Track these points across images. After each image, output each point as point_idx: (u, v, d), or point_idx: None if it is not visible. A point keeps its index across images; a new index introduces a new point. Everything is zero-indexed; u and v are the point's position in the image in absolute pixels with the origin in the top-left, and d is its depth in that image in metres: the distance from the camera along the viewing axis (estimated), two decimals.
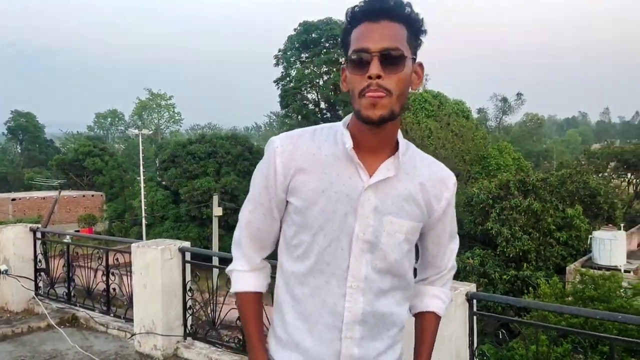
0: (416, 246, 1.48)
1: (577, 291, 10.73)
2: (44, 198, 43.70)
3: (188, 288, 4.58)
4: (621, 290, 10.29)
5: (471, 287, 3.14)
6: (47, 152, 66.07)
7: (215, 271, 4.99)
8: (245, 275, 1.48)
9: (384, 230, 1.36)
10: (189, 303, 4.60)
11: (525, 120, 69.17)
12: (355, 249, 1.35)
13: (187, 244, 4.69)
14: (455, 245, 1.56)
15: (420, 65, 1.37)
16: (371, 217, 1.35)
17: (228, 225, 32.83)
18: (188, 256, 4.63)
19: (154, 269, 4.47)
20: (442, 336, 3.02)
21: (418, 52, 1.36)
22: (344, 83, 1.37)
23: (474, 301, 3.11)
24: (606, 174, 28.24)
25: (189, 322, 4.60)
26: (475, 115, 48.83)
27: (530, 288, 14.64)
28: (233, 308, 4.34)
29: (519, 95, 66.47)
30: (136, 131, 34.14)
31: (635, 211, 27.31)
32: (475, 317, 3.13)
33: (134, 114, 76.94)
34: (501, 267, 17.75)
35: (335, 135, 1.39)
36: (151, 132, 55.33)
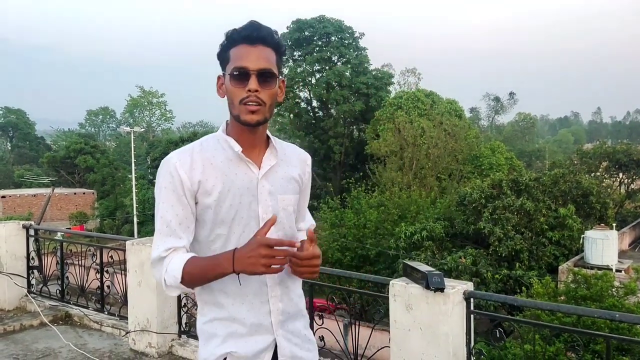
0: None
1: (570, 290, 10.78)
2: (34, 195, 43.41)
3: None
4: (613, 290, 10.34)
5: (468, 285, 3.14)
6: (38, 150, 65.66)
7: None
8: (174, 255, 1.65)
9: (279, 207, 1.73)
10: (184, 301, 4.57)
11: (518, 120, 69.54)
12: None
13: None
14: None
15: (283, 81, 1.74)
16: (268, 200, 1.71)
17: None
18: None
19: (149, 266, 4.44)
20: (439, 334, 3.03)
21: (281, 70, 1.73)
22: (219, 90, 1.70)
23: (472, 300, 3.11)
24: (598, 173, 28.41)
25: (184, 320, 4.58)
26: (468, 114, 49.04)
27: (522, 287, 14.69)
28: None
29: (511, 94, 66.86)
30: (127, 129, 33.96)
31: (627, 211, 27.52)
32: (472, 316, 3.13)
33: (125, 111, 76.53)
34: (493, 267, 17.78)
35: (220, 143, 1.71)
36: (143, 129, 55.02)
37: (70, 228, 33.42)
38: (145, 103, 74.80)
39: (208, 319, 1.72)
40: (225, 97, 1.68)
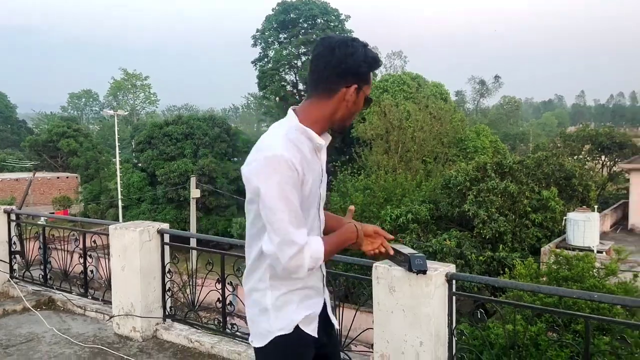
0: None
1: (552, 272, 10.92)
2: (17, 180, 42.79)
3: (167, 270, 4.54)
4: (594, 271, 10.50)
5: (450, 267, 3.17)
6: (20, 133, 64.66)
7: (195, 253, 4.95)
8: (312, 244, 1.94)
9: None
10: (168, 285, 4.57)
11: (503, 103, 69.83)
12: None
13: (165, 225, 4.65)
14: None
15: None
16: (324, 184, 2.11)
17: (206, 207, 32.67)
18: (167, 238, 4.58)
19: (132, 251, 4.42)
20: (421, 316, 3.06)
21: None
22: (354, 102, 1.99)
23: (454, 282, 3.14)
24: (581, 156, 28.70)
25: (168, 304, 4.58)
26: (453, 97, 49.12)
27: (506, 269, 14.88)
28: (212, 290, 4.32)
29: (496, 78, 67.07)
30: (111, 112, 33.55)
31: (609, 193, 27.87)
32: (454, 298, 3.16)
33: (108, 94, 75.54)
34: (477, 249, 17.97)
35: (302, 135, 1.96)
36: (126, 113, 54.34)
37: (54, 213, 33.09)
38: (129, 86, 73.86)
39: (282, 292, 2.01)
40: (339, 103, 1.97)
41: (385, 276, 3.17)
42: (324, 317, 2.14)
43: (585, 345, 2.86)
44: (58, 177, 45.49)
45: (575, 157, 27.32)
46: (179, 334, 4.39)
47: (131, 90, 74.81)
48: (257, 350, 2.07)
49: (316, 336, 2.07)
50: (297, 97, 42.01)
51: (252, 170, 1.90)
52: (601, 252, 15.85)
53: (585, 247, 15.30)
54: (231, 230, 30.23)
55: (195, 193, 22.11)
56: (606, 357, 6.74)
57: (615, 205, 23.41)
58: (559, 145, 30.01)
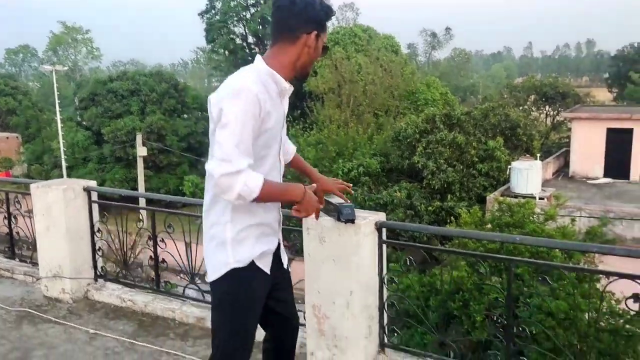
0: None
1: (495, 219, 11.25)
2: None
3: (96, 229, 4.35)
4: (534, 216, 10.87)
5: (380, 216, 3.13)
6: None
7: (126, 211, 4.75)
8: (250, 173, 2.00)
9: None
10: (98, 244, 4.39)
11: (454, 56, 70.24)
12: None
13: (92, 182, 4.43)
14: None
15: None
16: (284, 129, 2.30)
17: (156, 165, 31.92)
18: (94, 196, 4.38)
19: (57, 210, 4.20)
20: (351, 265, 3.02)
21: None
22: (315, 48, 2.16)
23: (384, 230, 3.10)
24: (526, 107, 29.37)
25: (99, 264, 4.41)
26: (405, 50, 48.98)
27: (452, 218, 15.26)
28: (145, 247, 4.17)
29: (447, 30, 67.12)
30: (49, 67, 31.80)
31: (552, 142, 28.76)
32: (384, 246, 3.13)
33: (48, 49, 71.57)
34: (427, 199, 18.35)
35: (270, 78, 2.10)
36: (66, 68, 51.75)
37: None
38: (70, 40, 70.14)
39: (242, 227, 2.12)
40: (302, 49, 2.12)
41: (315, 227, 3.11)
42: (277, 257, 2.31)
43: (507, 286, 2.90)
44: None
45: (520, 108, 27.94)
46: (111, 293, 4.25)
47: (72, 45, 71.09)
48: (212, 284, 2.17)
49: (268, 272, 2.21)
50: (247, 50, 40.90)
51: (218, 96, 2.02)
52: (542, 199, 16.46)
53: (527, 194, 15.81)
54: (183, 189, 29.75)
55: (141, 151, 21.48)
56: (537, 298, 7.02)
57: (557, 154, 24.23)
58: (505, 96, 30.58)
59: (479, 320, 7.75)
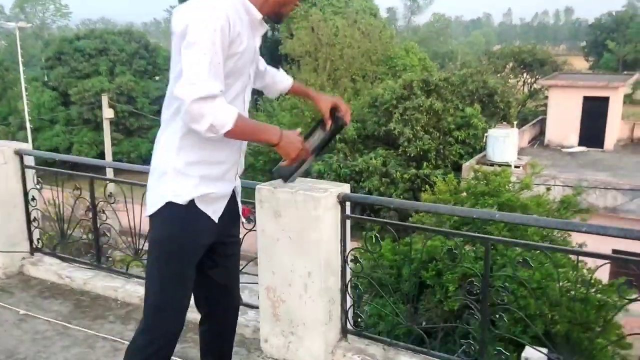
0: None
1: (470, 187, 11.02)
2: None
3: (31, 197, 3.89)
4: (510, 185, 10.67)
5: (343, 187, 2.75)
6: None
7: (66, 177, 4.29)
8: (224, 101, 1.82)
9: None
10: (34, 214, 3.94)
11: (433, 21, 69.37)
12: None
13: (26, 145, 3.95)
14: None
15: None
16: (254, 64, 2.08)
17: (126, 129, 31.00)
18: (30, 160, 3.90)
19: None
20: (309, 241, 2.65)
21: None
22: None
23: (347, 203, 2.73)
24: (504, 74, 29.11)
25: (35, 236, 3.97)
26: (384, 14, 48.12)
27: (427, 186, 15.04)
28: (83, 219, 3.74)
29: None
30: (13, 24, 30.29)
31: (529, 110, 28.66)
32: (348, 221, 2.77)
33: (14, 6, 68.54)
34: (403, 167, 18.10)
35: (243, 7, 1.91)
36: (30, 25, 49.56)
37: None
38: None
39: (188, 161, 1.89)
40: None
41: (270, 199, 2.72)
42: (231, 210, 2.08)
43: (484, 266, 2.58)
44: None
45: (498, 75, 27.67)
46: (48, 269, 3.83)
47: (40, 2, 68.21)
48: (150, 218, 1.96)
49: (216, 221, 1.99)
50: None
51: (184, 10, 1.83)
52: (518, 167, 16.32)
53: (503, 162, 15.64)
54: None
55: (108, 113, 20.62)
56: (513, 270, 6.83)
57: (533, 122, 24.08)
58: (484, 62, 30.24)
59: (451, 290, 7.57)
